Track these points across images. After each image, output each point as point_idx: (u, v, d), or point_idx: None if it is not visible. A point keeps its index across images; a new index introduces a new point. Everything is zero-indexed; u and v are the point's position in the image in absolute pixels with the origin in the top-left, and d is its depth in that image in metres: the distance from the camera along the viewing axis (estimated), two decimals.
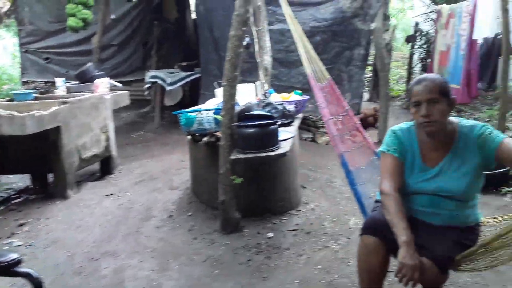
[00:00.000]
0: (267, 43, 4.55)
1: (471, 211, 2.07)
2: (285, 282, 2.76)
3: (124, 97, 5.01)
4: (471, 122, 2.02)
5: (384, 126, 5.82)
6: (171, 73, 7.26)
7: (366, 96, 9.27)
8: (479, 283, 2.66)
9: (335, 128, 2.92)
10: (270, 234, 3.38)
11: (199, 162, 3.83)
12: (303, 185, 4.30)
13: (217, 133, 3.43)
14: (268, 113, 3.19)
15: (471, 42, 5.01)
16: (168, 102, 8.57)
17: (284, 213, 3.74)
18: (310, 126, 6.37)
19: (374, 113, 6.73)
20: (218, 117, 3.28)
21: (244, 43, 4.07)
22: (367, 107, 7.34)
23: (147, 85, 7.45)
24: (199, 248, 3.20)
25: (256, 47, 3.94)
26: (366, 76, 10.29)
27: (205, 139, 3.54)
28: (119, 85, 5.05)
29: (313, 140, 6.24)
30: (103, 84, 4.58)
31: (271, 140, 3.02)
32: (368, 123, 6.90)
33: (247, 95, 3.84)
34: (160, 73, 7.27)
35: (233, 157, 3.02)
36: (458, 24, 5.47)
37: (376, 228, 1.99)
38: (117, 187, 4.39)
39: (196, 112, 3.54)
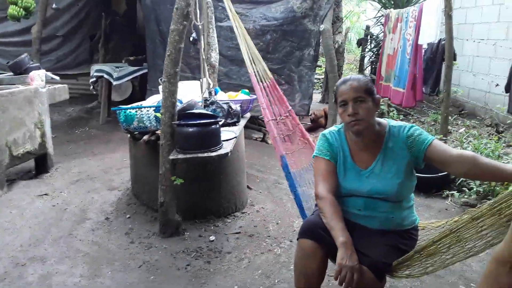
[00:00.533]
0: (215, 39, 4.42)
1: (407, 213, 2.07)
2: None
3: (62, 91, 4.73)
4: (400, 122, 2.06)
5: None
6: (117, 67, 6.98)
7: (318, 97, 9.35)
8: (418, 287, 2.67)
9: (277, 129, 2.85)
10: (212, 237, 3.27)
11: (139, 161, 3.65)
12: (249, 186, 4.22)
13: (158, 132, 3.28)
14: (209, 112, 3.07)
15: (416, 47, 5.11)
16: (116, 97, 8.27)
17: (228, 215, 3.64)
18: (261, 126, 6.30)
19: (324, 114, 6.77)
20: (158, 114, 3.12)
21: (191, 38, 3.94)
22: (318, 108, 7.38)
23: (92, 79, 7.12)
24: (135, 253, 3.03)
25: (202, 43, 3.80)
26: (318, 77, 10.44)
27: (145, 137, 3.37)
28: (57, 78, 4.75)
29: (263, 140, 6.18)
30: (38, 77, 4.28)
31: (213, 140, 2.90)
32: (318, 124, 6.93)
33: (191, 92, 3.70)
34: (106, 67, 6.97)
35: (172, 157, 2.88)
36: (404, 28, 5.58)
37: (314, 231, 1.94)
38: (52, 187, 4.12)
39: (136, 109, 3.36)
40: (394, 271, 1.95)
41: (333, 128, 2.15)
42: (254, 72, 3.15)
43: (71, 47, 8.24)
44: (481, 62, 6.98)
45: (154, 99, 3.56)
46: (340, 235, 1.80)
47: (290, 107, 3.15)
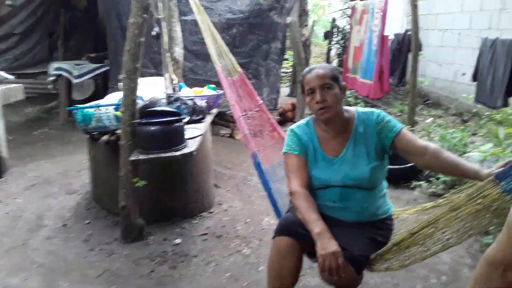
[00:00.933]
0: (178, 33, 4.25)
1: (381, 202, 2.05)
2: None
3: (17, 91, 4.46)
4: (369, 109, 2.05)
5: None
6: (77, 64, 6.70)
7: (286, 90, 9.26)
8: (389, 283, 2.60)
9: (248, 125, 2.72)
10: (178, 241, 3.12)
11: (99, 163, 3.45)
12: (217, 185, 4.08)
13: (118, 131, 3.09)
14: (172, 109, 2.90)
15: (383, 38, 5.08)
16: (78, 96, 7.93)
17: (194, 216, 3.50)
18: (228, 121, 6.16)
19: (292, 108, 6.68)
20: (118, 113, 2.94)
21: (153, 32, 3.76)
22: (286, 101, 7.28)
23: (51, 78, 6.81)
24: (95, 261, 2.85)
25: (165, 38, 3.61)
26: (286, 71, 10.36)
27: (105, 137, 3.18)
28: (11, 77, 4.47)
29: (231, 136, 6.03)
30: None
31: (176, 138, 2.74)
32: (287, 117, 6.84)
33: (154, 89, 3.52)
34: (65, 64, 6.68)
35: (133, 158, 2.71)
36: (371, 20, 5.54)
37: (290, 228, 1.88)
38: (5, 193, 3.86)
39: (94, 108, 3.16)
40: (373, 264, 1.92)
41: (301, 122, 2.12)
42: (222, 66, 3.00)
43: (29, 45, 7.84)
44: (446, 52, 7.05)
45: (114, 97, 3.36)
46: (315, 227, 1.77)
47: (260, 101, 3.02)
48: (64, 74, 6.57)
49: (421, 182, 3.93)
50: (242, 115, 2.78)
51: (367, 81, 5.46)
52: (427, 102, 7.26)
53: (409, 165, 4.07)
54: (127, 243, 3.06)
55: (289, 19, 5.60)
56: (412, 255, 1.83)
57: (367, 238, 1.91)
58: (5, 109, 7.75)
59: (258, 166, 2.50)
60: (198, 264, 2.83)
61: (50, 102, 8.08)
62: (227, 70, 3.11)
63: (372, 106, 7.18)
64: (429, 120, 5.37)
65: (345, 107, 2.04)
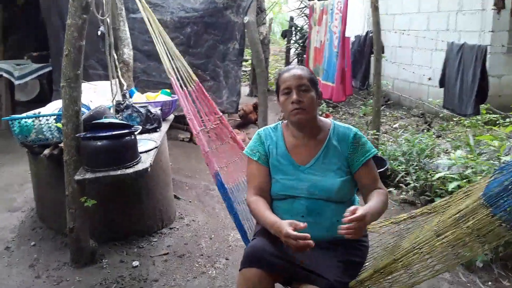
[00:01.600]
0: (127, 33, 3.93)
1: None
2: None
3: None
4: (346, 125, 1.96)
5: (264, 123, 5.56)
6: (18, 64, 6.19)
7: (246, 90, 9.05)
8: None
9: (208, 142, 2.48)
10: (136, 263, 2.84)
11: (43, 180, 3.10)
12: (177, 196, 3.81)
13: (62, 144, 2.76)
14: (121, 121, 2.61)
15: (344, 40, 4.96)
16: (22, 97, 7.42)
17: (154, 233, 3.22)
18: (187, 125, 5.85)
19: (253, 109, 6.47)
20: (59, 125, 2.62)
21: (98, 32, 3.42)
22: (246, 102, 7.06)
23: None
24: None
25: (111, 39, 3.26)
26: (245, 69, 10.14)
27: (46, 151, 2.83)
28: None
29: (191, 140, 5.73)
30: None
31: (128, 153, 2.45)
32: (248, 120, 6.62)
33: (102, 95, 3.20)
34: (5, 64, 6.17)
35: (77, 177, 2.39)
36: (330, 21, 5.41)
37: (260, 258, 1.69)
38: None
39: (33, 118, 2.81)
40: None
41: (270, 125, 2.03)
42: (176, 76, 2.70)
43: None
44: (404, 53, 7.08)
45: (56, 105, 3.02)
46: (271, 225, 1.70)
47: (220, 114, 2.77)
48: (5, 74, 6.05)
49: (391, 189, 3.83)
50: (202, 130, 2.53)
51: (329, 84, 5.33)
52: (388, 102, 7.27)
53: (378, 170, 3.96)
54: (78, 268, 2.75)
55: (246, 19, 5.37)
56: (396, 281, 1.70)
57: (343, 261, 1.76)
58: None
59: (221, 186, 2.28)
60: None
61: None
62: (182, 79, 2.79)
63: (334, 107, 7.11)
64: (397, 125, 5.32)
65: (320, 117, 1.95)
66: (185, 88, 2.69)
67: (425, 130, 5.19)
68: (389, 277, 1.70)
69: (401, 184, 3.87)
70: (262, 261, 1.68)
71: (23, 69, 6.06)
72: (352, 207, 1.60)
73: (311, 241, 1.56)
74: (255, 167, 1.93)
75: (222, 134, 2.65)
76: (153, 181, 3.18)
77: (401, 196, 3.79)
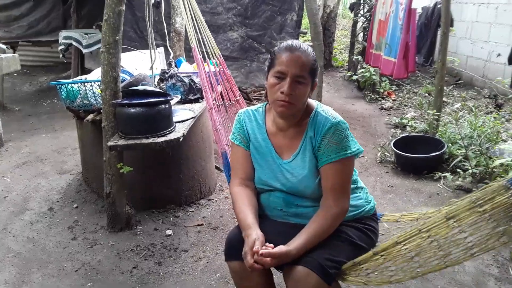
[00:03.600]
0: (180, 2, 3.87)
1: None
2: None
3: (12, 61, 4.21)
4: (330, 112, 1.62)
5: (319, 99, 5.36)
6: (87, 33, 6.41)
7: None
8: None
9: (221, 118, 2.39)
10: (169, 232, 2.85)
11: (87, 144, 3.19)
12: (220, 168, 3.78)
13: None
14: (156, 89, 2.58)
15: (410, 11, 4.57)
16: (93, 65, 7.71)
17: (191, 203, 3.22)
18: (247, 99, 5.81)
19: None
20: (99, 91, 2.64)
21: (153, 1, 3.41)
22: None
23: (60, 47, 6.57)
24: (75, 252, 2.61)
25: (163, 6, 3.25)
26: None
27: (90, 117, 2.89)
28: (3, 46, 4.21)
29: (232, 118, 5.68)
30: None
31: (161, 122, 2.42)
32: None
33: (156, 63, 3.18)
34: (75, 33, 6.40)
35: (110, 143, 2.41)
36: None
37: (238, 249, 1.53)
38: None
39: (79, 84, 2.87)
40: (347, 273, 1.55)
41: (252, 107, 1.78)
42: (197, 45, 2.59)
43: (43, 12, 7.65)
44: (480, 29, 6.45)
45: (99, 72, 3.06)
46: (243, 228, 1.54)
47: (239, 92, 2.66)
48: (74, 43, 6.30)
49: (447, 174, 3.53)
50: (218, 105, 2.43)
51: (391, 59, 4.99)
52: (459, 82, 6.71)
53: (432, 154, 3.68)
54: (113, 232, 2.82)
55: None
56: (400, 270, 1.50)
57: (336, 237, 1.56)
58: (19, 78, 7.71)
59: (227, 166, 2.18)
60: (187, 261, 2.56)
61: (66, 71, 7.89)
62: (205, 51, 2.69)
63: (398, 85, 6.71)
64: (458, 105, 4.88)
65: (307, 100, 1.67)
66: (206, 60, 2.59)
67: (493, 113, 4.71)
68: (391, 263, 1.50)
69: (458, 170, 3.55)
70: (240, 252, 1.52)
71: (91, 38, 6.28)
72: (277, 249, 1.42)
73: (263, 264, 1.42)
74: (238, 152, 1.73)
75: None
76: (193, 152, 3.17)
77: (457, 182, 3.48)
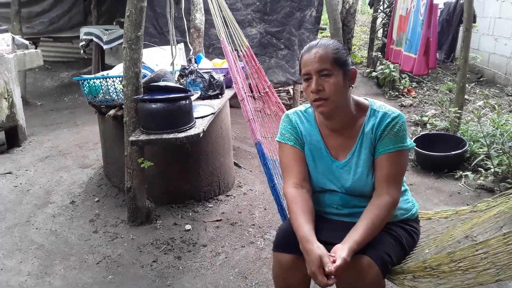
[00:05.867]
0: None
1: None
2: None
3: (35, 57, 4.28)
4: (387, 107, 1.61)
5: None
6: (107, 30, 6.49)
7: None
8: None
9: (254, 109, 2.39)
10: (188, 227, 2.88)
11: (108, 139, 3.23)
12: (238, 164, 3.80)
13: None
14: (177, 85, 2.60)
15: (431, 7, 4.50)
16: (114, 61, 7.79)
17: (210, 199, 3.25)
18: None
19: None
20: (121, 86, 2.67)
21: None
22: None
23: (81, 43, 6.66)
24: (96, 245, 2.66)
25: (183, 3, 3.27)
26: None
27: (111, 112, 2.93)
28: (27, 42, 4.29)
29: (262, 110, 5.68)
30: (3, 41, 3.82)
31: (182, 118, 2.44)
32: None
33: (166, 59, 3.22)
34: (95, 29, 6.48)
35: (132, 138, 2.44)
36: None
37: (289, 242, 1.55)
38: (18, 164, 3.74)
39: (101, 79, 2.91)
40: (396, 275, 1.57)
41: (300, 108, 1.74)
42: (227, 37, 2.62)
43: (64, 8, 7.76)
44: (503, 25, 6.32)
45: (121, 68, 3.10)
46: (301, 239, 1.46)
47: (269, 82, 2.66)
48: (95, 39, 6.38)
49: (468, 173, 3.48)
50: (249, 96, 2.44)
51: (411, 55, 4.93)
52: (481, 79, 6.60)
53: (454, 152, 3.63)
54: (133, 226, 2.85)
55: None
56: (451, 281, 1.46)
57: (388, 235, 1.58)
58: (41, 73, 7.84)
59: (262, 156, 2.18)
60: (206, 255, 2.58)
61: (86, 67, 8.01)
62: (233, 42, 2.71)
63: (418, 82, 6.62)
64: (481, 103, 4.80)
65: (357, 99, 1.65)
66: (235, 51, 2.60)
67: None
68: (442, 276, 1.46)
69: (480, 168, 3.50)
70: (290, 245, 1.54)
71: (111, 34, 6.34)
72: (332, 260, 1.37)
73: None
74: (291, 153, 1.67)
75: (269, 104, 2.55)
76: (212, 148, 3.18)
77: (479, 181, 3.42)
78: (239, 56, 2.65)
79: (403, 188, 1.70)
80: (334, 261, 1.36)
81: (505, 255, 1.29)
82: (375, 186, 1.58)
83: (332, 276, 1.35)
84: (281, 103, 2.62)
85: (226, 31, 2.63)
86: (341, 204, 1.65)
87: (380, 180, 1.56)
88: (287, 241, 1.57)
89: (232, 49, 2.61)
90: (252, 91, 2.54)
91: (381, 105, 1.62)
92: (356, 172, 1.60)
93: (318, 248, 1.40)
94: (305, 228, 1.47)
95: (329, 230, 1.58)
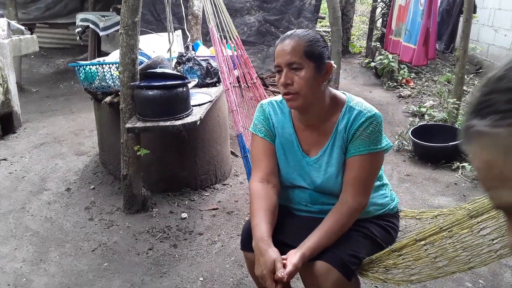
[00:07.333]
0: None
1: (373, 195, 1.58)
2: (186, 280, 2.26)
3: (30, 42, 4.23)
4: (364, 105, 1.51)
5: (335, 86, 5.30)
6: (104, 16, 6.42)
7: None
8: (415, 283, 2.25)
9: (238, 99, 2.37)
10: (184, 215, 2.87)
11: (104, 126, 3.20)
12: (235, 153, 3.78)
13: None
14: (174, 72, 2.57)
15: None
16: (110, 48, 7.73)
17: (206, 187, 3.23)
18: (264, 85, 5.77)
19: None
20: (117, 73, 2.64)
21: None
22: None
23: (77, 29, 6.60)
24: (92, 233, 2.64)
25: None
26: (325, 31, 9.71)
27: (107, 99, 2.90)
28: (22, 27, 4.23)
29: (248, 100, 5.65)
30: None
31: (178, 105, 2.42)
32: None
33: (164, 46, 3.18)
34: (91, 16, 6.41)
35: (128, 125, 2.42)
36: None
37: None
38: (13, 150, 3.70)
39: (97, 66, 2.88)
40: (365, 269, 1.51)
41: (277, 98, 1.64)
42: (214, 26, 2.57)
43: None
44: (503, 16, 6.28)
45: (117, 55, 3.06)
46: (255, 238, 1.40)
47: (256, 74, 2.64)
48: (91, 25, 6.32)
49: (465, 164, 3.47)
50: (234, 86, 2.41)
51: (410, 45, 4.90)
52: (480, 71, 6.57)
53: (451, 143, 3.62)
54: (129, 214, 2.84)
55: None
56: (422, 269, 1.44)
57: (357, 232, 1.51)
58: (36, 60, 7.77)
59: (243, 148, 2.16)
60: (202, 244, 2.57)
61: (82, 54, 7.92)
62: (223, 30, 2.67)
63: (417, 73, 6.59)
64: None
65: (334, 92, 1.54)
66: (224, 40, 2.57)
67: None
68: (411, 262, 1.44)
69: None
70: None
71: (108, 21, 6.28)
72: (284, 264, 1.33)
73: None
74: (261, 145, 1.60)
75: (256, 95, 2.53)
76: (209, 136, 3.16)
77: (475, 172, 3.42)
78: (227, 44, 2.61)
79: (380, 183, 1.65)
80: (284, 265, 1.32)
81: (472, 235, 1.30)
82: (342, 187, 1.51)
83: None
84: (266, 96, 2.59)
85: (216, 19, 2.59)
86: (310, 201, 1.59)
87: (348, 183, 1.49)
88: (250, 240, 1.50)
89: (221, 37, 2.58)
90: (239, 82, 2.51)
91: (358, 102, 1.52)
92: (326, 171, 1.53)
93: (272, 251, 1.35)
94: (263, 228, 1.42)
95: (297, 225, 1.54)
